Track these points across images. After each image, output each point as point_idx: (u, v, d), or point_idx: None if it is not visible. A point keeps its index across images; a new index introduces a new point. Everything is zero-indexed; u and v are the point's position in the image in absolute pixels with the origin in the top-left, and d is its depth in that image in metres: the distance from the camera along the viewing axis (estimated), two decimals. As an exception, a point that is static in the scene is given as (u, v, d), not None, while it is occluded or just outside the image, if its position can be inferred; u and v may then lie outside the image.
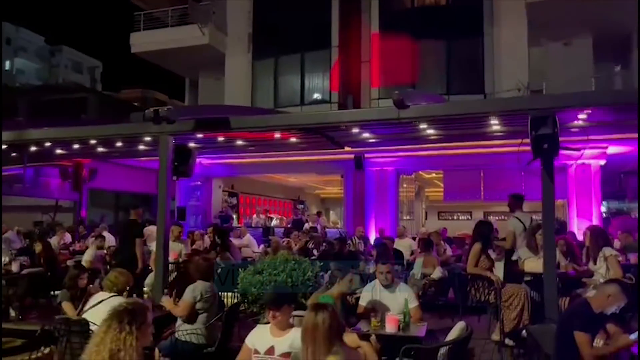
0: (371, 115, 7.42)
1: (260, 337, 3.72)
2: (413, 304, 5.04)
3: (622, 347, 3.82)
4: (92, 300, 4.98)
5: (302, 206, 24.45)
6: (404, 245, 10.79)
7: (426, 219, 22.80)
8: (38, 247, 9.09)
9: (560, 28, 13.89)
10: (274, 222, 18.67)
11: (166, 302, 5.38)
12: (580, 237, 9.82)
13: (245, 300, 5.67)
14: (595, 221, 13.18)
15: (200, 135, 8.94)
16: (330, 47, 14.61)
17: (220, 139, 10.80)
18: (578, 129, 10.25)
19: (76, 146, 10.82)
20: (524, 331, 5.82)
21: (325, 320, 3.00)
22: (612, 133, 11.86)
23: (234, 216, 18.25)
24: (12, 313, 8.10)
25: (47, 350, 5.06)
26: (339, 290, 5.07)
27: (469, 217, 23.33)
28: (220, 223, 15.02)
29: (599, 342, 3.85)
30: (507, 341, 6.00)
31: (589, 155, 13.44)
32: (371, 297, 5.28)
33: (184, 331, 5.06)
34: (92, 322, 4.63)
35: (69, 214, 17.32)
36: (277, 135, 10.97)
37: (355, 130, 10.64)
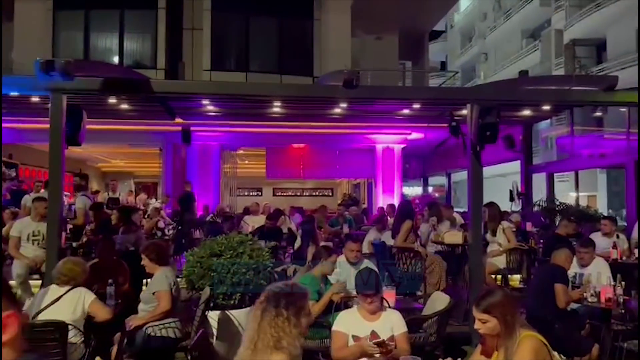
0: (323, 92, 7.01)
1: (354, 323, 3.47)
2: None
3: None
4: (46, 298, 3.91)
5: (78, 178, 21.74)
6: (259, 221, 10.73)
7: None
8: None
9: (375, 23, 15.36)
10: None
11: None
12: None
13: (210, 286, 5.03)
14: (396, 198, 15.09)
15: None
16: (157, 8, 13.33)
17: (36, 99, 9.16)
18: (403, 117, 11.76)
19: None
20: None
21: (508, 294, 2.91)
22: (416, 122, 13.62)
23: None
24: None
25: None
26: (321, 271, 4.96)
27: (260, 194, 24.32)
28: (12, 200, 12.48)
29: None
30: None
31: (393, 140, 15.29)
32: (340, 273, 5.29)
33: (159, 325, 4.33)
34: (70, 324, 3.68)
35: None
36: (113, 100, 9.81)
37: (205, 102, 10.19)
